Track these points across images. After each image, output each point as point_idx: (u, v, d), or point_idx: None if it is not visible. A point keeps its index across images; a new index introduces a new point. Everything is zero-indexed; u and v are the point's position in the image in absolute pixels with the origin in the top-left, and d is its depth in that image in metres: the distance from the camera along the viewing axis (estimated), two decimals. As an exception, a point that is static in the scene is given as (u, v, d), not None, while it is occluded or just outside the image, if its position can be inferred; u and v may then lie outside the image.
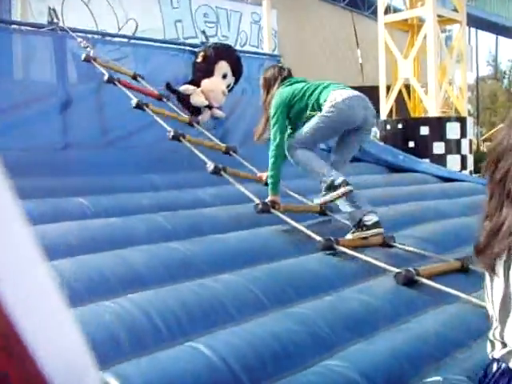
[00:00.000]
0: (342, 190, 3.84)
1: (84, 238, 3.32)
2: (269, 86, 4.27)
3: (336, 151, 4.19)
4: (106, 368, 2.14)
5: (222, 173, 4.44)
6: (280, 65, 4.70)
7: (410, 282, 3.20)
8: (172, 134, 4.80)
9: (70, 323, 0.58)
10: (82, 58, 5.55)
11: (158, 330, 2.47)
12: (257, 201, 4.07)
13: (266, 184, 4.38)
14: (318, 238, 3.66)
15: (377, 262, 3.48)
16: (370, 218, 3.90)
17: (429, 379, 2.39)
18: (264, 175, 4.53)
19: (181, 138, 4.82)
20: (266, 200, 4.09)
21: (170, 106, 5.67)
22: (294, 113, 4.07)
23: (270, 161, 4.05)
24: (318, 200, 4.09)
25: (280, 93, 4.09)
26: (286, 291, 3.02)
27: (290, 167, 4.26)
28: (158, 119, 5.04)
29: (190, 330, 2.52)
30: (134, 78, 5.82)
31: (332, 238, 3.65)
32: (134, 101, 5.14)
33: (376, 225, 3.90)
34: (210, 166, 4.43)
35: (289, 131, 4.18)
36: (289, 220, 3.93)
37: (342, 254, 3.58)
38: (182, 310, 2.60)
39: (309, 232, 3.78)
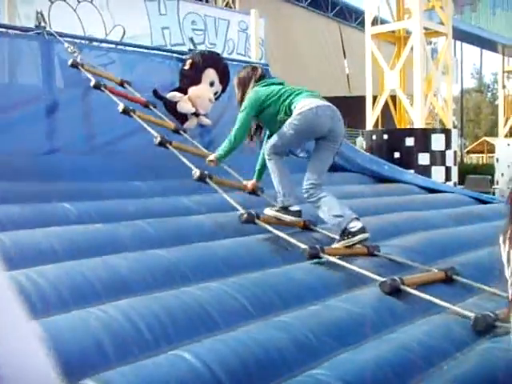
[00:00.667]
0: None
1: (69, 243, 3.29)
2: (243, 85, 4.37)
3: (309, 163, 4.21)
4: (91, 375, 2.12)
5: (208, 180, 4.43)
6: (253, 65, 4.79)
7: (395, 290, 3.20)
8: (159, 139, 4.79)
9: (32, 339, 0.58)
10: (69, 63, 5.52)
11: (142, 337, 2.45)
12: (241, 210, 4.06)
13: (251, 192, 4.56)
14: (304, 247, 3.65)
15: (362, 270, 3.48)
16: (355, 225, 3.91)
17: (414, 389, 2.40)
18: (249, 183, 4.65)
19: (167, 145, 4.80)
20: (208, 159, 4.37)
21: (157, 113, 5.65)
22: (267, 114, 4.16)
23: (224, 146, 4.27)
24: (269, 212, 4.20)
25: (256, 91, 4.20)
26: (271, 300, 3.01)
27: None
28: (144, 125, 5.02)
29: (175, 338, 2.51)
30: (121, 84, 5.80)
31: (317, 247, 3.65)
32: (121, 106, 5.11)
33: (362, 230, 3.91)
34: (196, 172, 4.42)
35: (267, 133, 4.38)
36: (274, 230, 3.92)
37: (328, 263, 3.58)
38: (167, 318, 2.58)
39: (293, 241, 3.77)
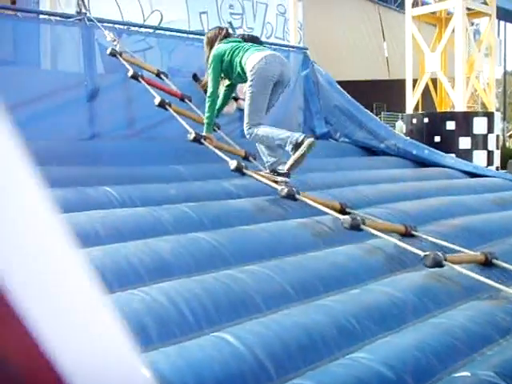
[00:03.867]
0: (306, 142, 4.27)
1: (111, 226, 3.34)
2: (211, 43, 4.94)
3: (249, 105, 4.59)
4: (135, 355, 2.16)
5: (244, 171, 4.52)
6: (220, 26, 5.38)
7: (437, 265, 3.18)
8: (193, 135, 4.84)
9: (107, 320, 0.51)
10: (108, 52, 5.56)
11: (185, 320, 2.47)
12: (280, 190, 4.16)
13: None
14: (343, 218, 3.70)
15: (404, 244, 3.47)
16: (283, 168, 4.48)
17: (457, 374, 2.38)
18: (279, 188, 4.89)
19: (202, 141, 4.85)
20: (200, 133, 4.81)
21: (191, 107, 5.64)
22: (225, 67, 4.69)
23: (206, 105, 4.77)
24: (287, 165, 4.46)
25: (217, 48, 4.76)
26: (312, 283, 3.01)
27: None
28: (179, 120, 5.05)
29: (217, 320, 2.53)
30: (158, 75, 5.80)
31: (358, 218, 3.68)
32: (157, 100, 5.14)
33: (285, 176, 4.45)
34: (233, 164, 4.52)
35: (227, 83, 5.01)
36: (313, 204, 4.00)
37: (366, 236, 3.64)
38: (209, 300, 2.60)
39: (334, 213, 3.88)
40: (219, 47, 4.75)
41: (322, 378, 2.19)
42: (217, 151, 4.74)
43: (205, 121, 4.87)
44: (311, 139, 4.31)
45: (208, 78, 4.83)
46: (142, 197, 3.98)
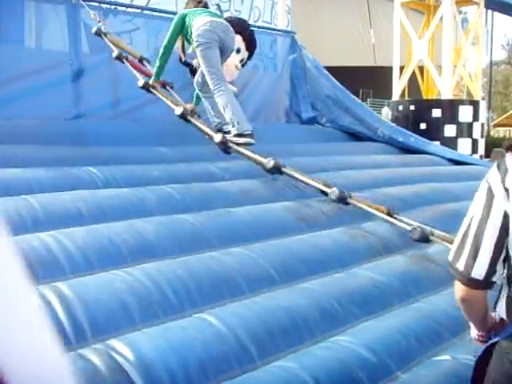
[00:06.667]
0: (248, 139, 4.55)
1: (95, 207, 3.31)
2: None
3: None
4: (117, 335, 2.15)
5: (230, 145, 4.52)
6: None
7: (424, 239, 3.23)
8: (141, 83, 5.02)
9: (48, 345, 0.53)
10: (93, 31, 5.50)
11: (167, 301, 2.47)
12: (266, 162, 4.25)
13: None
14: (330, 190, 3.86)
15: (392, 219, 3.52)
16: (227, 127, 4.82)
17: (437, 358, 2.39)
18: (188, 105, 5.14)
19: (189, 118, 4.81)
20: (149, 81, 5.05)
21: (173, 95, 5.55)
22: (185, 28, 4.91)
23: (159, 55, 5.00)
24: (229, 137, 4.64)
25: (183, 11, 5.10)
26: (295, 266, 3.01)
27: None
28: (164, 100, 5.02)
29: (200, 302, 2.53)
30: (140, 60, 5.73)
31: (345, 191, 3.82)
32: (141, 82, 5.10)
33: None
34: (218, 137, 4.55)
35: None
36: (299, 176, 4.09)
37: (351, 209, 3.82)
38: (192, 281, 2.60)
39: (320, 186, 4.01)
40: (184, 11, 5.05)
41: (304, 360, 2.20)
42: (164, 99, 5.01)
43: (154, 70, 5.10)
44: (252, 141, 4.57)
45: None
46: (126, 177, 3.95)
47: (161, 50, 4.99)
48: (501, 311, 1.53)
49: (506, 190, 1.42)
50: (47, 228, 2.91)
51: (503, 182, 1.43)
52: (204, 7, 5.20)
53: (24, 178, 3.60)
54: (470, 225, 1.48)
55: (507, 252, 1.44)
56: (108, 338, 2.13)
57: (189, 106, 5.14)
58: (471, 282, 1.48)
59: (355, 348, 2.30)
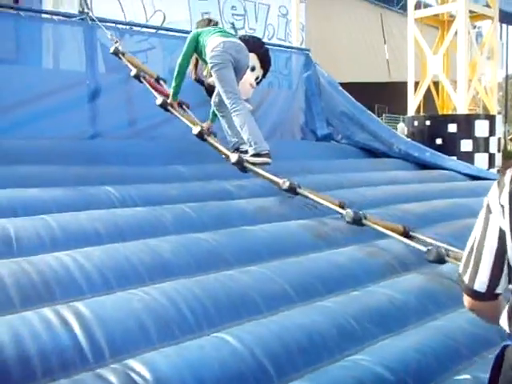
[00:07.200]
0: (265, 159, 4.55)
1: (112, 226, 3.33)
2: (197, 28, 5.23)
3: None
4: (134, 355, 2.15)
5: (246, 164, 4.49)
6: (210, 18, 5.62)
7: (440, 260, 3.19)
8: (160, 101, 5.05)
9: None
10: (111, 50, 5.56)
11: (185, 320, 2.47)
12: (282, 183, 4.23)
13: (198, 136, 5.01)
14: (345, 212, 3.80)
15: (409, 241, 3.50)
16: (244, 146, 4.80)
17: (457, 377, 2.37)
18: (204, 124, 5.17)
19: (206, 137, 4.85)
20: (168, 100, 5.13)
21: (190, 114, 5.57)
22: (199, 47, 4.94)
23: (174, 75, 5.04)
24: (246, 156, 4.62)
25: (197, 30, 5.10)
26: (313, 285, 3.00)
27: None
28: (182, 118, 5.06)
29: (217, 321, 2.52)
30: (157, 80, 5.78)
31: (360, 212, 3.75)
32: (159, 100, 5.15)
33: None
34: (234, 157, 4.52)
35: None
36: (314, 197, 4.03)
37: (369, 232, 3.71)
38: (209, 301, 2.60)
39: (335, 207, 3.95)
40: (197, 30, 5.07)
41: (321, 380, 2.18)
42: (182, 118, 5.06)
43: (171, 91, 5.15)
44: (269, 160, 4.56)
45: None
46: (143, 196, 3.97)
47: (176, 70, 5.03)
48: (503, 320, 1.53)
49: (502, 206, 1.43)
50: (65, 247, 2.93)
51: (499, 198, 1.44)
52: (215, 25, 5.25)
53: (42, 197, 3.63)
54: (474, 240, 1.51)
55: (509, 266, 1.45)
56: (126, 358, 2.14)
57: (205, 125, 5.15)
58: (475, 294, 1.51)
59: (373, 367, 2.27)
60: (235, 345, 2.25)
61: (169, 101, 5.14)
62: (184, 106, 5.55)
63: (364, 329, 2.63)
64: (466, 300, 1.55)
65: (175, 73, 5.04)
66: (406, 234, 3.86)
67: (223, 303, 2.64)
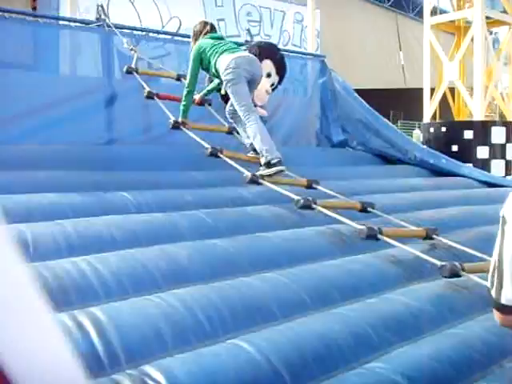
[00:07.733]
0: (278, 167, 4.57)
1: (128, 232, 3.34)
2: (196, 36, 5.17)
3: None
4: (150, 361, 2.15)
5: (261, 181, 4.43)
6: (205, 20, 5.58)
7: (454, 275, 3.14)
8: (210, 150, 4.80)
9: (52, 333, 0.55)
10: (124, 70, 5.57)
11: (200, 326, 2.47)
12: (296, 201, 4.08)
13: (200, 104, 5.45)
14: (360, 228, 3.68)
15: (421, 254, 3.44)
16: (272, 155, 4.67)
17: (475, 386, 2.35)
18: (197, 97, 5.38)
19: (219, 154, 4.79)
20: (178, 119, 5.04)
21: (211, 112, 5.58)
22: (204, 63, 4.94)
23: (184, 94, 5.04)
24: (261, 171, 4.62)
25: (198, 43, 5.02)
26: (329, 292, 2.99)
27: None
28: (195, 137, 4.96)
29: (233, 327, 2.52)
30: (178, 79, 5.80)
31: (375, 228, 3.64)
32: (171, 120, 5.05)
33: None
34: (248, 176, 4.43)
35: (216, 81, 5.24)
36: (330, 213, 3.92)
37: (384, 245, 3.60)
38: (225, 307, 2.59)
39: (351, 223, 3.81)
40: (200, 43, 4.99)
41: (338, 388, 2.17)
42: (193, 135, 4.97)
43: (181, 108, 5.10)
44: (282, 167, 4.58)
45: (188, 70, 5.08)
46: (159, 202, 3.99)
47: (185, 90, 5.02)
48: None
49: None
50: (81, 253, 2.95)
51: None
52: (212, 28, 5.21)
53: (58, 202, 3.66)
54: (495, 252, 1.48)
55: None
56: (141, 363, 2.14)
57: (197, 97, 5.35)
58: (503, 309, 1.47)
59: (390, 375, 2.26)
60: (251, 352, 2.24)
61: (179, 120, 5.08)
62: (206, 104, 5.58)
63: (380, 336, 2.62)
64: (496, 315, 1.52)
65: (184, 91, 5.03)
66: (428, 237, 3.86)
67: (239, 310, 2.63)
